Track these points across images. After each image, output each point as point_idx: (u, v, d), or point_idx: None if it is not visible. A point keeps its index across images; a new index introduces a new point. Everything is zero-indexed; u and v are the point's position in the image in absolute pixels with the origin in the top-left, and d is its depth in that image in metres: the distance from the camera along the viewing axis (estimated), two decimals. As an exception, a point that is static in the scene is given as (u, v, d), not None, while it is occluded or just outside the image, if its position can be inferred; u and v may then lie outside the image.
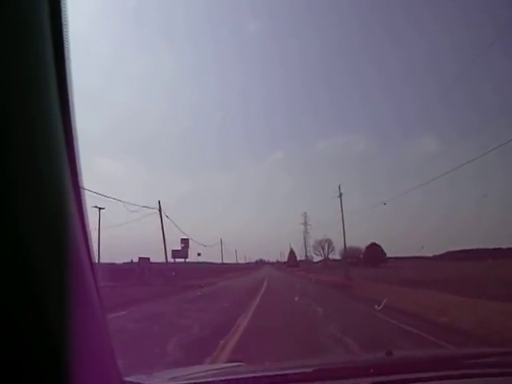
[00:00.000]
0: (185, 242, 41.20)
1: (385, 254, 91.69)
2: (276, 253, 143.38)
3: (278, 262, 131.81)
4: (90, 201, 21.82)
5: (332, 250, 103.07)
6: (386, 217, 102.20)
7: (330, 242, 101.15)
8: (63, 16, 0.72)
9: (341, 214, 41.72)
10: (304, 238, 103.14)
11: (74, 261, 0.70)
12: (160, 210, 33.83)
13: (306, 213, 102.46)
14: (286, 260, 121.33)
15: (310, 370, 1.47)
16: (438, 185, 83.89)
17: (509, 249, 59.38)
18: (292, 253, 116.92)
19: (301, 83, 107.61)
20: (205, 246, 53.53)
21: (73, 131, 0.74)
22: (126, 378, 1.09)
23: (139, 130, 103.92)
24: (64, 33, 0.72)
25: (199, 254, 47.79)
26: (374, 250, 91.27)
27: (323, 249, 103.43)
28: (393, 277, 30.50)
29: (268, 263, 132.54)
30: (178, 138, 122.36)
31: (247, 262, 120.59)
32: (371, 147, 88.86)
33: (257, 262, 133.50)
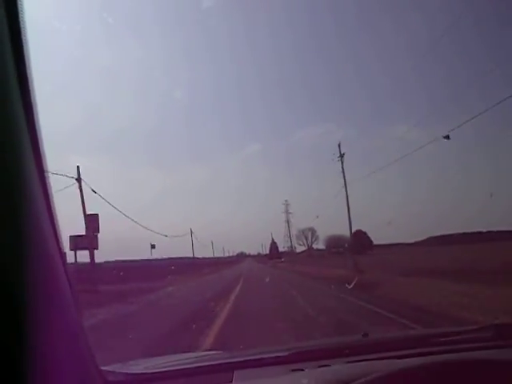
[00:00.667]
0: (92, 219, 22.45)
1: (371, 241, 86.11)
2: (257, 245, 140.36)
3: (259, 254, 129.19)
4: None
5: (316, 240, 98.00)
6: (367, 205, 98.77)
7: (313, 231, 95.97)
8: (20, 8, 0.70)
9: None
10: (287, 227, 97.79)
11: (43, 252, 0.71)
12: (79, 179, 22.16)
13: (287, 200, 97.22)
14: (268, 252, 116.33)
15: (286, 353, 1.53)
16: (417, 171, 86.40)
17: (488, 232, 61.31)
18: (274, 243, 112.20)
19: (277, 74, 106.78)
20: (166, 235, 40.72)
21: (36, 124, 0.74)
22: (103, 368, 1.09)
23: (108, 124, 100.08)
24: (21, 25, 0.70)
25: (153, 246, 34.52)
26: (361, 237, 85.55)
27: (306, 238, 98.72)
28: (399, 265, 25.01)
29: (249, 256, 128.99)
30: (151, 131, 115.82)
31: (227, 255, 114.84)
32: (348, 136, 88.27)
33: (238, 255, 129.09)
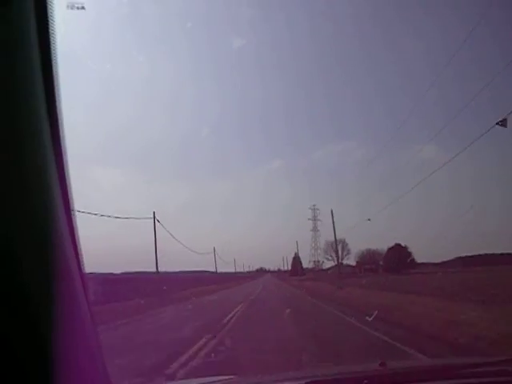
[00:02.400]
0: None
1: (412, 258, 72.55)
2: (278, 260, 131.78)
3: (279, 270, 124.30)
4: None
5: (347, 254, 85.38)
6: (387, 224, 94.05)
7: (344, 244, 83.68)
8: (50, 20, 0.73)
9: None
10: (313, 237, 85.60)
11: (63, 267, 0.72)
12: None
13: (315, 205, 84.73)
14: (289, 268, 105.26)
15: (303, 382, 1.48)
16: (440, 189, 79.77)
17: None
18: (297, 258, 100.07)
19: (299, 91, 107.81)
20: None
21: (61, 140, 0.75)
22: None
23: (137, 139, 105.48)
24: (51, 37, 0.73)
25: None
26: (399, 252, 71.88)
27: (336, 252, 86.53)
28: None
29: (269, 271, 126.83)
30: (177, 146, 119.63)
31: (248, 270, 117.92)
32: (369, 154, 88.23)
33: (257, 270, 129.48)
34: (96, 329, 0.83)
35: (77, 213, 0.83)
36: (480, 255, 67.81)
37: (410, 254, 71.57)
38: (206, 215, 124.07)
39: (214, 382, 1.73)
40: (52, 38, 0.72)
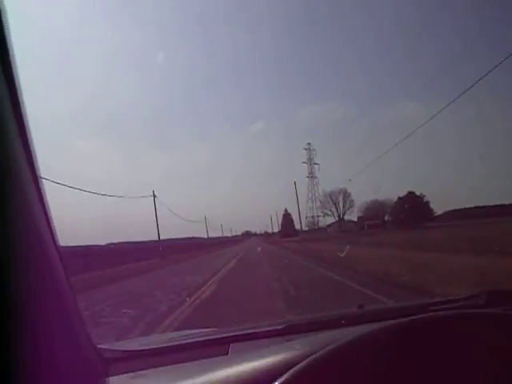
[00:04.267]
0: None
1: (430, 208, 58.65)
2: (267, 222, 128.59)
3: (266, 232, 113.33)
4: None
5: (350, 208, 70.65)
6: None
7: (345, 194, 68.83)
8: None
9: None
10: (310, 185, 70.53)
11: (37, 240, 0.73)
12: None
13: (310, 145, 68.85)
14: (278, 229, 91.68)
15: (281, 326, 1.54)
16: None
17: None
18: (287, 216, 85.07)
19: (277, 53, 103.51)
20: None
21: (23, 114, 0.74)
22: (100, 346, 1.12)
23: (111, 108, 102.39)
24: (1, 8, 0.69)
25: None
26: (413, 202, 57.47)
27: (336, 205, 72.15)
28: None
29: (255, 235, 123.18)
30: (153, 113, 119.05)
31: (234, 234, 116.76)
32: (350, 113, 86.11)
33: (243, 234, 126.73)
34: (74, 291, 0.85)
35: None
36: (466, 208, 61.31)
37: (426, 203, 58.14)
38: (189, 182, 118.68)
39: (199, 332, 1.79)
40: (2, 9, 0.68)
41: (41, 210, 0.76)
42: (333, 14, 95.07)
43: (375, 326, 1.09)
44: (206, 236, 78.47)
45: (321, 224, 74.81)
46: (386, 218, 66.79)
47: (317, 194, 68.69)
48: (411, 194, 56.45)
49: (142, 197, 39.21)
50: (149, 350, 1.43)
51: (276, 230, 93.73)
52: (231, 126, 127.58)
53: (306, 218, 72.41)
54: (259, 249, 39.10)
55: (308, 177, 70.65)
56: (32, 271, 0.69)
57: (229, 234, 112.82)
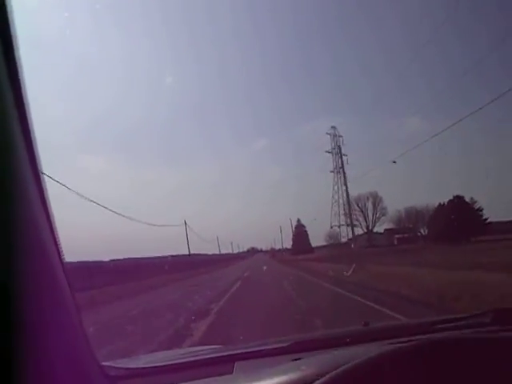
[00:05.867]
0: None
1: (481, 217, 46.97)
2: (276, 236, 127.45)
3: (272, 249, 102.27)
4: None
5: (382, 216, 58.65)
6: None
7: (375, 198, 56.67)
8: (9, 9, 0.70)
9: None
10: (336, 181, 57.64)
11: (41, 252, 0.73)
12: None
13: (334, 128, 55.59)
14: (282, 246, 78.74)
15: (286, 344, 1.52)
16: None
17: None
18: (301, 229, 69.11)
19: (283, 69, 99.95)
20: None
21: (28, 121, 0.74)
22: (104, 363, 1.11)
23: (120, 125, 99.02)
24: (10, 20, 0.70)
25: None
26: (461, 210, 45.22)
27: (363, 213, 59.81)
28: None
29: (261, 251, 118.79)
30: (160, 132, 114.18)
31: (238, 251, 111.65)
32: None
33: (248, 250, 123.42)
34: (79, 308, 0.84)
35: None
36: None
37: (477, 211, 46.39)
38: (197, 198, 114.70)
39: (203, 350, 1.81)
40: (11, 21, 0.69)
41: (43, 213, 0.75)
42: (339, 28, 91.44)
43: (382, 345, 1.14)
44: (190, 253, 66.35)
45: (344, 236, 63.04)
46: (422, 230, 55.00)
47: (345, 197, 55.99)
48: (459, 198, 44.75)
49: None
50: (153, 368, 1.43)
51: (284, 245, 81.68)
52: (238, 142, 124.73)
53: (331, 227, 59.76)
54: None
55: (333, 171, 56.83)
56: (35, 283, 0.68)
57: (231, 251, 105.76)
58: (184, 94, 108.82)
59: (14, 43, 0.70)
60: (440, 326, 1.56)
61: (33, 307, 0.66)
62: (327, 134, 53.83)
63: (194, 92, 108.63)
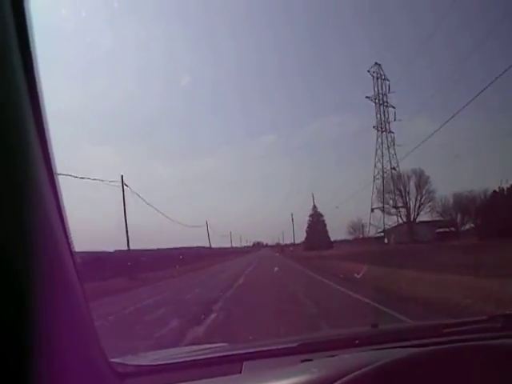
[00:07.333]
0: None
1: None
2: (279, 232, 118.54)
3: (278, 244, 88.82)
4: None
5: (429, 201, 49.03)
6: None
7: (421, 178, 46.85)
8: (26, 3, 0.71)
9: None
10: (380, 146, 48.03)
11: (52, 247, 0.74)
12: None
13: (378, 65, 45.90)
14: (304, 239, 59.68)
15: (295, 344, 1.52)
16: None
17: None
18: (317, 217, 53.12)
19: (294, 65, 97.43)
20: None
21: (43, 121, 0.75)
22: (112, 360, 1.14)
23: (125, 118, 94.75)
24: (26, 13, 0.71)
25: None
26: None
27: (403, 198, 49.10)
28: None
29: (266, 246, 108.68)
30: (175, 124, 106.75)
31: (244, 245, 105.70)
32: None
33: (253, 245, 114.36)
34: (88, 303, 0.85)
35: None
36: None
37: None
38: (201, 193, 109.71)
39: (212, 348, 1.82)
40: (27, 14, 0.70)
41: (56, 210, 0.75)
42: (352, 25, 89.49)
43: (390, 347, 1.16)
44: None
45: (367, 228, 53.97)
46: (467, 222, 46.00)
47: (394, 164, 45.74)
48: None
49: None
50: (162, 365, 1.45)
51: (291, 240, 65.54)
52: (247, 137, 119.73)
53: (372, 210, 49.64)
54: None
55: (376, 127, 44.72)
56: (45, 278, 0.69)
57: (237, 245, 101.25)
58: (199, 90, 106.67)
59: (29, 36, 0.70)
60: (448, 329, 1.56)
61: (45, 306, 0.67)
62: (368, 72, 44.44)
63: (208, 86, 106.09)
